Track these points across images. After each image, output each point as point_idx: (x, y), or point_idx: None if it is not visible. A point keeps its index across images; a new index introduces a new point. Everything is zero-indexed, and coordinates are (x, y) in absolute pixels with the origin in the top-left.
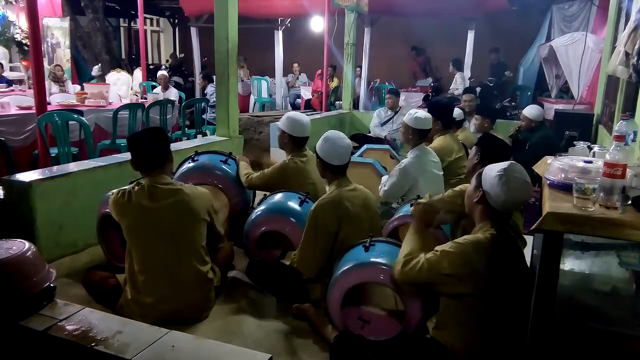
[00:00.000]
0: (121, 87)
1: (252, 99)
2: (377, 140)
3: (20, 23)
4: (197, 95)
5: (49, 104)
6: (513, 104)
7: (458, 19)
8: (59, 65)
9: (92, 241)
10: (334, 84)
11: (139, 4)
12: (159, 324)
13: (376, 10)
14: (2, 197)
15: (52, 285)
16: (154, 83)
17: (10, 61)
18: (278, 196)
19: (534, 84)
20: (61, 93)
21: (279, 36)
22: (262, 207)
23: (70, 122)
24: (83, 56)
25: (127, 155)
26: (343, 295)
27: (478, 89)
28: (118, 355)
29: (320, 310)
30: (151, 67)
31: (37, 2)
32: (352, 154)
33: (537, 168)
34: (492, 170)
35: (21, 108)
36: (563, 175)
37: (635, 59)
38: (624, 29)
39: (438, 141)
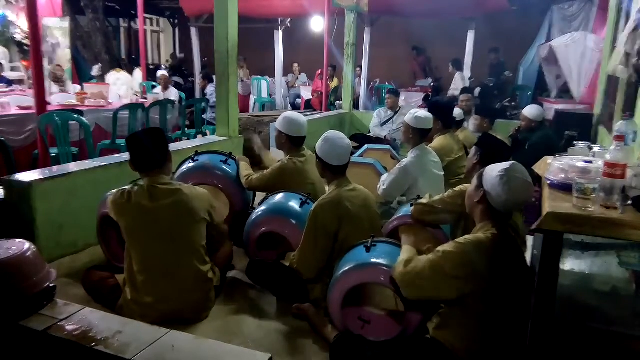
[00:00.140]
0: (121, 87)
1: (252, 99)
2: (377, 140)
3: (20, 23)
4: (197, 95)
5: (49, 104)
6: (513, 104)
7: (458, 19)
8: (59, 65)
9: (92, 241)
10: (334, 84)
11: (139, 4)
12: (158, 324)
13: (376, 10)
14: (2, 197)
15: (52, 285)
16: (154, 83)
17: (10, 61)
18: (279, 197)
19: (534, 84)
20: (61, 93)
21: (279, 36)
22: (262, 208)
23: (70, 122)
24: (83, 56)
25: (127, 156)
26: (343, 296)
27: (478, 89)
28: (118, 355)
29: (320, 310)
30: (151, 67)
31: (37, 2)
32: (352, 154)
33: (537, 168)
34: (494, 171)
35: (21, 108)
36: (563, 175)
37: (635, 59)
38: (624, 29)
39: (438, 141)
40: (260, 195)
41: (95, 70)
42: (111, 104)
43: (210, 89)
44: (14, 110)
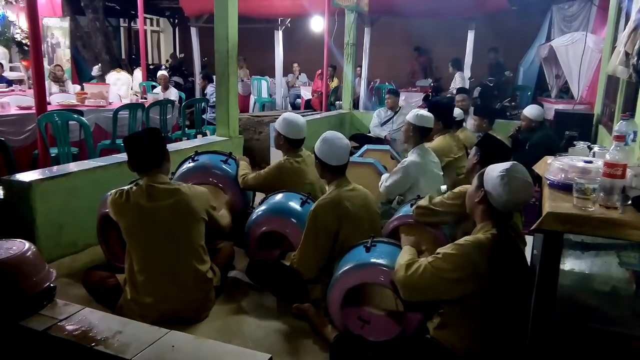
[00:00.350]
0: (121, 87)
1: (252, 99)
2: (377, 140)
3: (20, 23)
4: (197, 95)
5: (49, 104)
6: (513, 104)
7: (458, 19)
8: (59, 65)
9: (92, 241)
10: (334, 84)
11: (139, 4)
12: (158, 323)
13: (376, 10)
14: (2, 197)
15: (52, 285)
16: (154, 83)
17: (10, 61)
18: (279, 196)
19: (534, 84)
20: (61, 93)
21: (279, 36)
22: (262, 207)
23: (70, 122)
24: (83, 56)
25: (126, 156)
26: (343, 296)
27: (478, 89)
28: (118, 355)
29: (320, 310)
30: (151, 67)
31: (37, 2)
32: (352, 154)
33: (537, 168)
34: (494, 171)
35: (21, 108)
36: (563, 175)
37: (635, 59)
38: (624, 29)
39: (438, 141)
40: (260, 195)
41: (95, 70)
42: (111, 104)
43: (210, 89)
44: (14, 110)
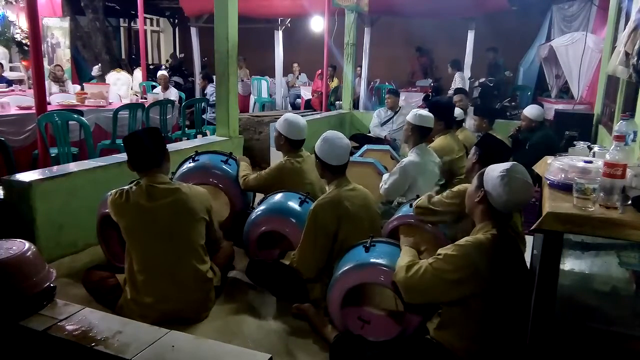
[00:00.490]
0: (121, 87)
1: (252, 99)
2: (377, 140)
3: (20, 23)
4: (197, 95)
5: (49, 104)
6: (513, 104)
7: (458, 19)
8: (59, 65)
9: (92, 241)
10: (334, 84)
11: (139, 4)
12: (158, 323)
13: (376, 10)
14: (2, 197)
15: (52, 285)
16: (154, 83)
17: (10, 61)
18: (278, 196)
19: (534, 84)
20: (61, 93)
21: (279, 36)
22: (262, 207)
23: (70, 122)
24: (83, 56)
25: (126, 155)
26: (343, 296)
27: (478, 89)
28: (118, 355)
29: (320, 310)
30: (151, 67)
31: (37, 2)
32: (352, 154)
33: (537, 168)
34: (494, 171)
35: (21, 108)
36: (563, 175)
37: (635, 59)
38: (624, 29)
39: (439, 141)
40: (260, 195)
41: (95, 70)
42: (111, 104)
43: (210, 89)
44: (14, 110)
